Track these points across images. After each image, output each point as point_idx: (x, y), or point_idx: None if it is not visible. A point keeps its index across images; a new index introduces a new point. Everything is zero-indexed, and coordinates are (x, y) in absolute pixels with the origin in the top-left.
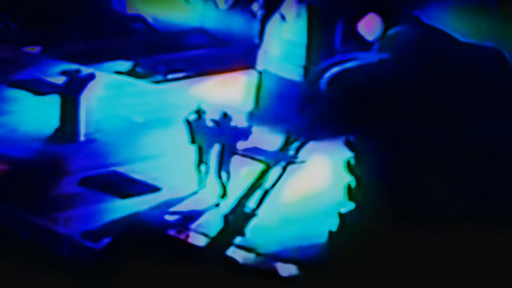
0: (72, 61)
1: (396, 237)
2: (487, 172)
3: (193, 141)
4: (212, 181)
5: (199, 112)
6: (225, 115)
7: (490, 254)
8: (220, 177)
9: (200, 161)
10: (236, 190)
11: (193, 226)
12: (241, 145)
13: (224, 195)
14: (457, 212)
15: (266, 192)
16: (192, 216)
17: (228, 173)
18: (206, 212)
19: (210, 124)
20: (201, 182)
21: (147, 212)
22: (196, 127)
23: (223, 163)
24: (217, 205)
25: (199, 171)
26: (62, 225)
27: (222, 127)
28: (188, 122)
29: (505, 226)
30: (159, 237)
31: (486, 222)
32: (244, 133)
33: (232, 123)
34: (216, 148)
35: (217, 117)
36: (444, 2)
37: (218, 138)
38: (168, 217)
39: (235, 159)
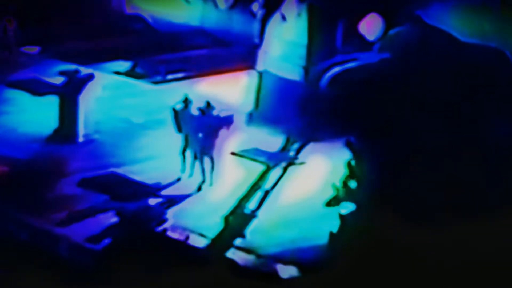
0: (71, 61)
1: (396, 238)
2: (489, 171)
3: (179, 129)
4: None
5: (186, 102)
6: (208, 104)
7: (490, 254)
8: (202, 164)
9: (186, 148)
10: (236, 191)
11: (172, 211)
12: (224, 133)
13: (208, 181)
14: (459, 212)
15: (266, 193)
16: (174, 200)
17: (212, 160)
18: (190, 197)
19: (195, 113)
20: (186, 169)
21: (146, 212)
22: (182, 116)
23: (206, 150)
24: (199, 189)
25: (185, 158)
26: (61, 226)
27: (205, 116)
28: (175, 111)
29: (505, 226)
30: (159, 239)
31: (488, 223)
32: (227, 122)
33: (215, 112)
34: (200, 136)
35: (201, 106)
36: (445, 2)
37: (202, 126)
38: (150, 201)
39: (230, 157)
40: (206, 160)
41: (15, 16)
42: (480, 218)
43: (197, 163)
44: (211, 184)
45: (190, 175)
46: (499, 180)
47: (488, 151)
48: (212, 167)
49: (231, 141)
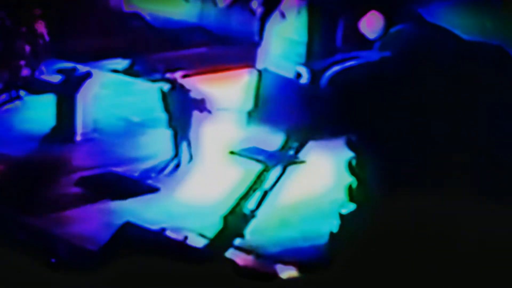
0: (68, 59)
1: (397, 239)
2: (492, 172)
3: (166, 109)
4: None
5: (174, 83)
6: (181, 86)
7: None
8: (180, 143)
9: (174, 129)
10: (235, 190)
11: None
12: (198, 115)
13: (186, 160)
14: (461, 213)
15: (265, 193)
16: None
17: (189, 140)
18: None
19: (176, 94)
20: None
21: (145, 212)
22: (168, 97)
23: (183, 131)
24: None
25: (174, 139)
26: (58, 226)
27: (180, 96)
28: (162, 92)
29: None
30: (157, 239)
31: (490, 222)
32: (201, 104)
33: (192, 94)
34: (183, 117)
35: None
36: (447, 0)
37: (178, 106)
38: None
39: (229, 156)
40: (184, 140)
41: (44, 20)
42: (483, 218)
43: (179, 142)
44: (191, 160)
45: (176, 154)
46: (501, 179)
47: (490, 151)
48: (189, 147)
49: (210, 126)
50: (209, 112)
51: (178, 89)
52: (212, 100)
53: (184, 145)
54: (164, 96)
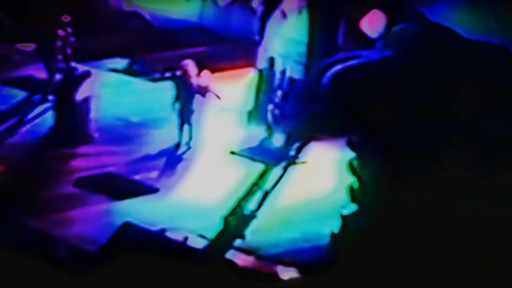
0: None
1: (398, 239)
2: (495, 172)
3: (177, 98)
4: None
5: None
6: (185, 71)
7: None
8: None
9: (181, 116)
10: (235, 191)
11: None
12: (199, 100)
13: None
14: (463, 214)
15: (266, 194)
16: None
17: (190, 125)
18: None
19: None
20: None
21: (144, 213)
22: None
23: (185, 116)
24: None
25: (181, 125)
26: (58, 227)
27: (186, 84)
28: (176, 83)
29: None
30: (157, 240)
31: (492, 222)
32: (202, 90)
33: (193, 81)
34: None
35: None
36: None
37: (184, 93)
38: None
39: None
40: (185, 125)
41: (70, 25)
42: (485, 218)
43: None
44: (189, 148)
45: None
46: (503, 178)
47: (492, 151)
48: (190, 132)
49: (211, 125)
50: (217, 96)
51: (185, 77)
52: (217, 88)
53: (185, 129)
54: (176, 84)
